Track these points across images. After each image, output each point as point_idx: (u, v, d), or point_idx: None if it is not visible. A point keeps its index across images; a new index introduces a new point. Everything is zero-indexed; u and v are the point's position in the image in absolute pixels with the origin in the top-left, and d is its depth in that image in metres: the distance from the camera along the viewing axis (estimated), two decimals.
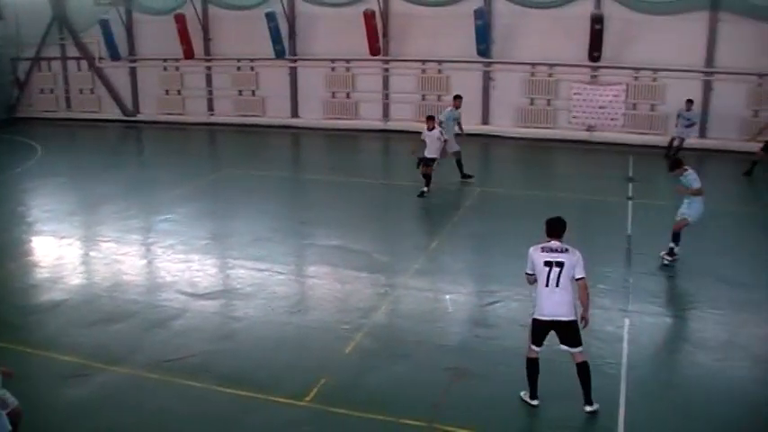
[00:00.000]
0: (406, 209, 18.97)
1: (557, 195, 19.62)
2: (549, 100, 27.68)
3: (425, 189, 19.42)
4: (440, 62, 28.73)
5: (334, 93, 30.75)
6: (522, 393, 9.47)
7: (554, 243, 9.12)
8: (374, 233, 17.16)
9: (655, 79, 26.28)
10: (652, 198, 19.55)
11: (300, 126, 31.16)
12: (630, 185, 20.25)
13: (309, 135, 30.38)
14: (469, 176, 20.98)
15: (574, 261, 8.98)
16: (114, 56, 33.28)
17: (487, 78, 28.29)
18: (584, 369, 9.11)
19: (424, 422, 8.99)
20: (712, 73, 25.71)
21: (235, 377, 10.13)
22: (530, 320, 9.29)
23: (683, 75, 25.76)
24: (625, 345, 11.15)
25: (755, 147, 22.52)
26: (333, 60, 30.29)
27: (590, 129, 27.12)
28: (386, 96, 29.93)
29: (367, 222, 17.99)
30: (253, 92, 32.10)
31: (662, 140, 24.90)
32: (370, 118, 30.16)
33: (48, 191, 21.67)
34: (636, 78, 26.48)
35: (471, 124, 26.33)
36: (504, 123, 28.21)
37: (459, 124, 21.49)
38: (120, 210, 18.87)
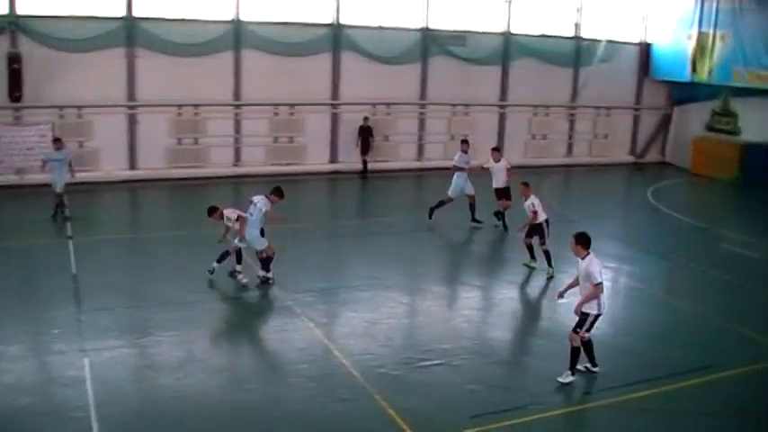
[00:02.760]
0: None
1: None
2: None
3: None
4: None
5: None
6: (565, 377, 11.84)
7: None
8: None
9: (80, 116, 26.31)
10: (92, 234, 19.79)
11: None
12: (68, 224, 20.09)
13: None
14: (479, 221, 21.56)
15: None
16: None
17: None
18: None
19: None
20: (135, 107, 26.61)
21: None
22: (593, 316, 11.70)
23: (108, 110, 26.27)
24: (89, 384, 11.17)
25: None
26: None
27: (20, 172, 26.15)
28: None
29: None
30: None
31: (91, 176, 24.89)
32: None
33: None
34: (61, 117, 26.20)
35: None
36: None
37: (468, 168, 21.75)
38: None
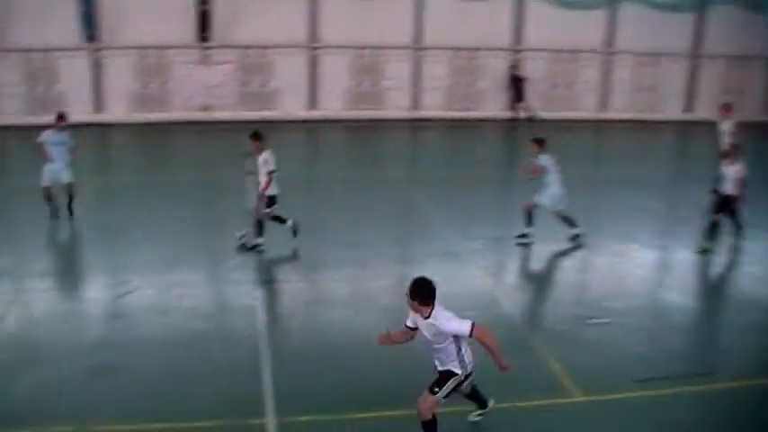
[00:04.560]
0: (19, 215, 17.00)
1: (179, 178, 19.65)
2: (163, 83, 27.17)
3: None
4: (45, 50, 26.70)
5: None
6: None
7: None
8: None
9: (264, 56, 27.00)
10: None
11: None
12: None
13: None
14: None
15: None
16: None
17: (98, 64, 26.93)
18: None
19: (73, 425, 8.53)
20: (317, 48, 27.00)
21: None
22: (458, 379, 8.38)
23: (291, 51, 26.82)
24: (261, 315, 11.51)
25: None
26: None
27: (206, 108, 27.20)
28: None
29: None
30: None
31: (272, 115, 26.09)
32: None
33: None
34: (246, 57, 26.98)
35: (83, 113, 24.93)
36: (119, 110, 27.03)
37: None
38: None
